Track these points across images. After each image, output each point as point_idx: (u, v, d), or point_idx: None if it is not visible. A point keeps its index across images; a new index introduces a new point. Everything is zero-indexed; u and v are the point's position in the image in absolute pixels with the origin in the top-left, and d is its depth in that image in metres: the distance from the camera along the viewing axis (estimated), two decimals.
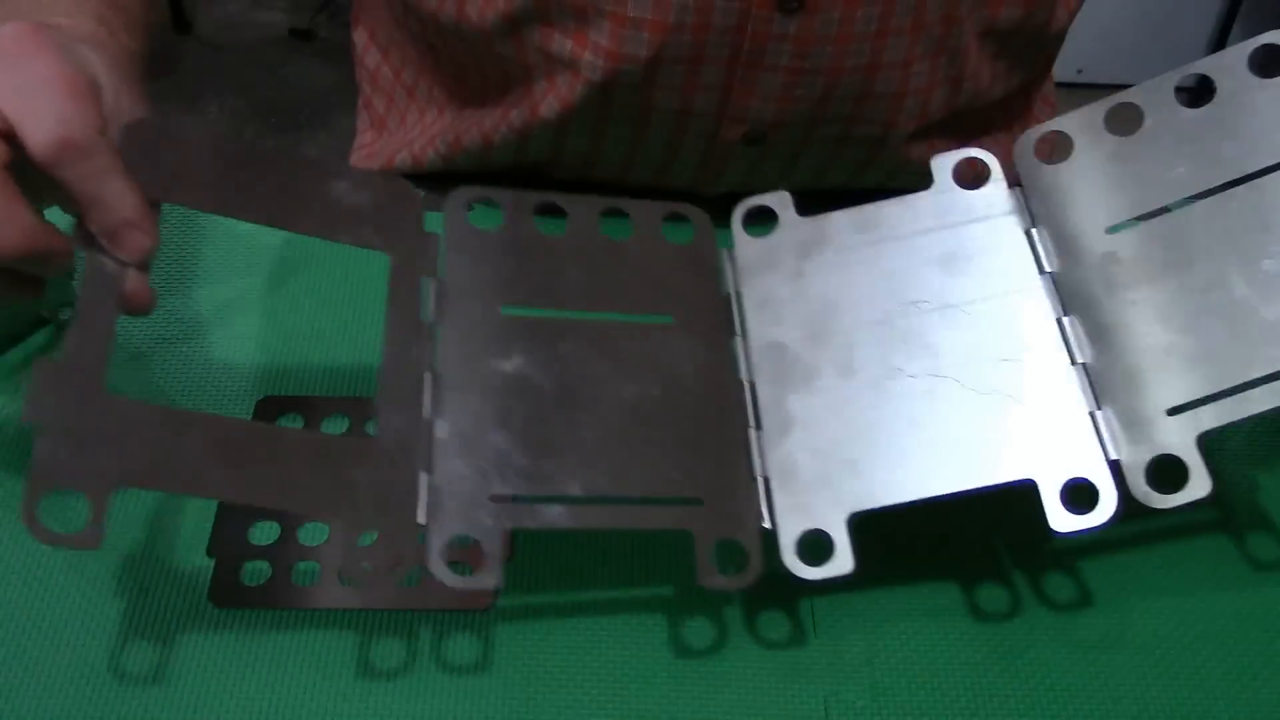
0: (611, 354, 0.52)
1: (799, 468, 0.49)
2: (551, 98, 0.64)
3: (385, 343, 0.50)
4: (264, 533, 0.54)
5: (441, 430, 0.49)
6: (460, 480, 0.48)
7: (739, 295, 0.54)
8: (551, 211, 0.54)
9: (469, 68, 0.70)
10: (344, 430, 0.57)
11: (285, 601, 0.52)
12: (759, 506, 0.49)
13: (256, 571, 0.52)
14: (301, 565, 0.53)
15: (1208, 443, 0.46)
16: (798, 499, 0.49)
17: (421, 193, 0.53)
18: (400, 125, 0.77)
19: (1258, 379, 0.46)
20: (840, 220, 0.54)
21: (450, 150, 0.72)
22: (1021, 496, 0.50)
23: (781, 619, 0.52)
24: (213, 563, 0.53)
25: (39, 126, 0.44)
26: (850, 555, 0.47)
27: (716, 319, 0.53)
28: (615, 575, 0.53)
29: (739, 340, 0.53)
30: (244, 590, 0.52)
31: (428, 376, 0.50)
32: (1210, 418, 0.46)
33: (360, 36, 0.78)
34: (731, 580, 0.48)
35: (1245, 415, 0.46)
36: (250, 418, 0.58)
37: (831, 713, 0.49)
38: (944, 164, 0.54)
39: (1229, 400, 0.47)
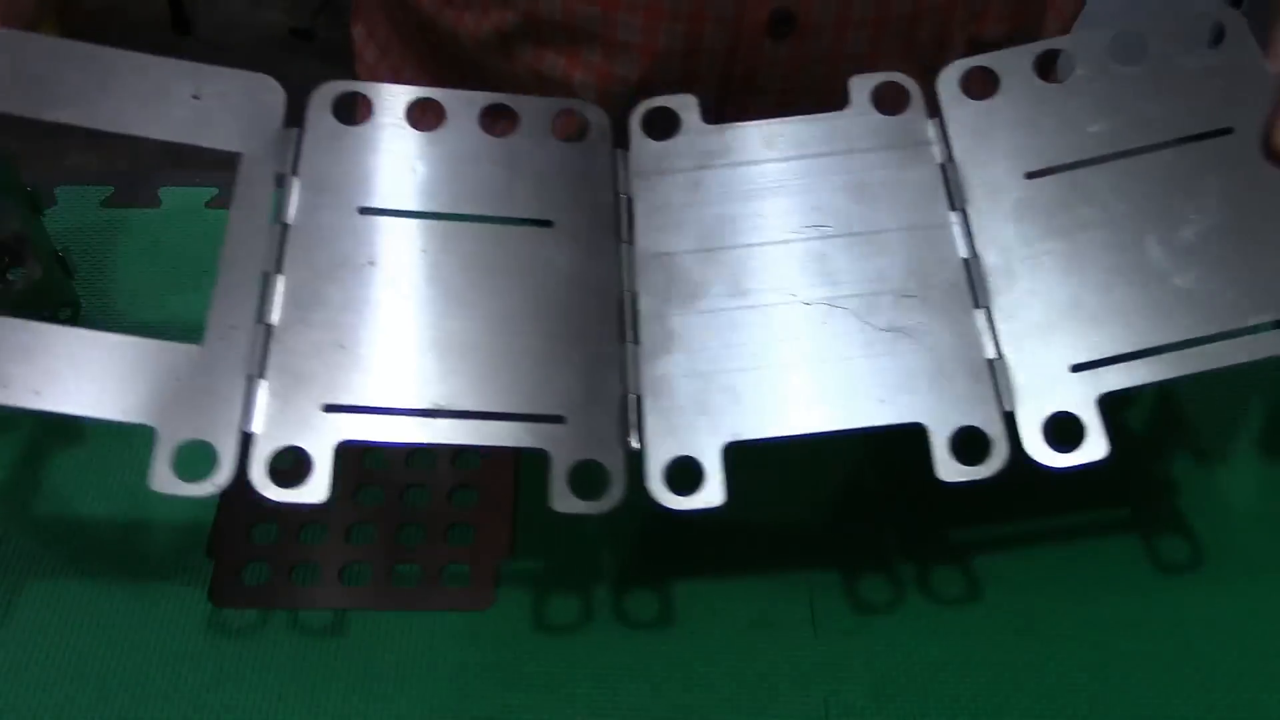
0: (480, 259, 0.47)
1: (676, 389, 0.45)
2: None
3: (226, 241, 0.46)
4: (264, 533, 0.54)
5: (280, 335, 0.45)
6: (294, 388, 0.44)
7: (630, 200, 0.49)
8: (430, 108, 0.50)
9: (467, 76, 0.66)
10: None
11: (285, 601, 0.51)
12: (627, 427, 0.45)
13: (256, 571, 0.52)
14: (301, 565, 0.52)
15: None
16: (671, 422, 0.44)
17: (281, 90, 0.49)
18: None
19: (1165, 345, 0.44)
20: (748, 133, 0.50)
21: None
22: (1022, 497, 0.53)
23: (781, 619, 0.51)
24: (213, 563, 0.52)
25: None
26: (721, 487, 0.43)
27: (602, 224, 0.48)
28: (614, 574, 0.52)
29: (624, 248, 0.48)
30: (244, 590, 0.52)
31: (272, 278, 0.46)
32: (1113, 379, 0.44)
33: (359, 34, 0.75)
34: (590, 505, 0.43)
35: (1150, 380, 0.44)
36: None
37: (831, 713, 0.48)
38: (863, 86, 0.50)
39: (1135, 364, 0.44)
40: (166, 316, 0.61)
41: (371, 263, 0.47)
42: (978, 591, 0.51)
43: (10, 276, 0.55)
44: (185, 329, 0.57)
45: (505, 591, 0.51)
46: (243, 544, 0.53)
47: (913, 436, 0.44)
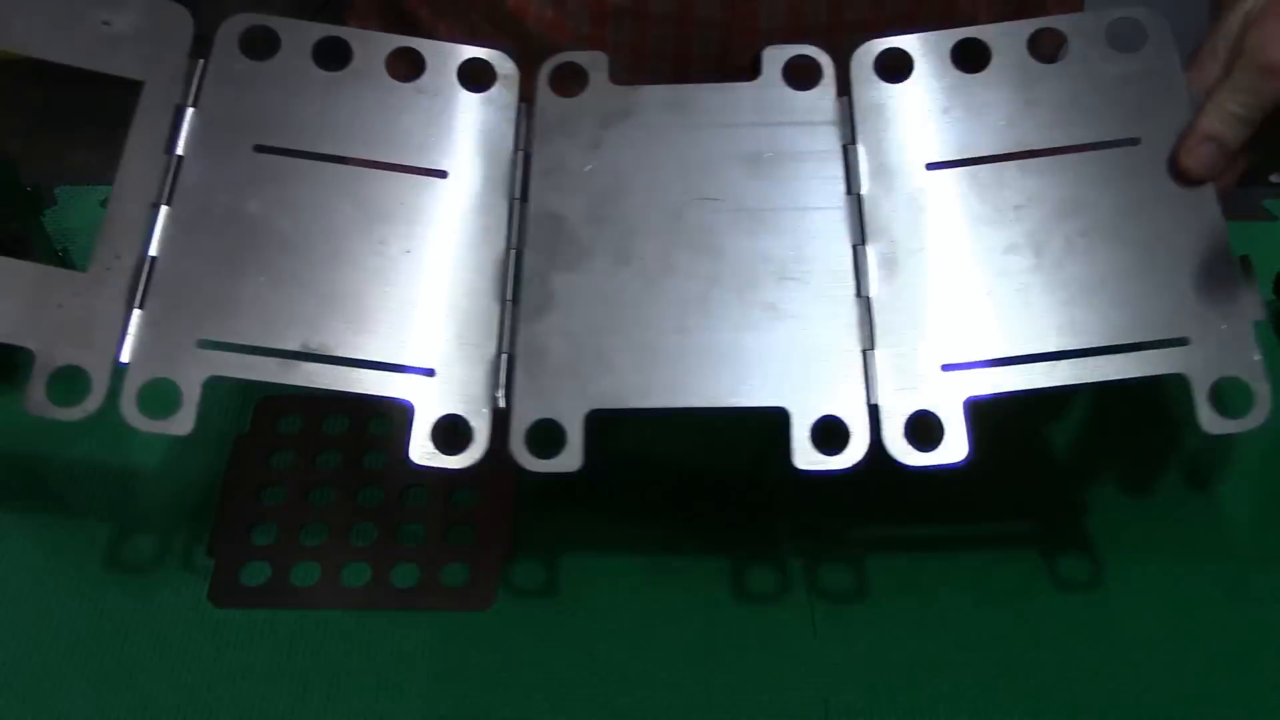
0: (367, 204, 0.47)
1: (549, 351, 0.45)
2: None
3: (120, 170, 0.46)
4: (264, 533, 0.54)
5: (162, 267, 0.45)
6: (171, 321, 0.45)
7: (528, 157, 0.49)
8: (338, 47, 0.49)
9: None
10: (344, 430, 0.56)
11: (285, 601, 0.51)
12: (496, 384, 0.45)
13: (256, 571, 0.52)
14: (301, 565, 0.52)
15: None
16: (540, 383, 0.45)
17: (190, 18, 0.49)
18: None
19: (1037, 354, 0.44)
20: (653, 95, 0.49)
21: None
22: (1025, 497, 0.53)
23: (781, 619, 0.51)
24: (213, 563, 0.52)
25: None
26: (580, 453, 0.44)
27: (497, 179, 0.48)
28: (612, 576, 0.52)
29: (515, 204, 0.48)
30: (244, 590, 0.52)
31: (161, 210, 0.46)
32: (982, 383, 0.44)
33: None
34: (450, 459, 0.44)
35: (1019, 389, 0.44)
36: (250, 418, 0.57)
37: (831, 713, 0.48)
38: (776, 57, 0.49)
39: (1007, 369, 0.44)
40: None
41: (260, 202, 0.47)
42: (978, 591, 0.52)
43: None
44: None
45: (505, 591, 0.52)
46: (243, 544, 0.53)
47: None
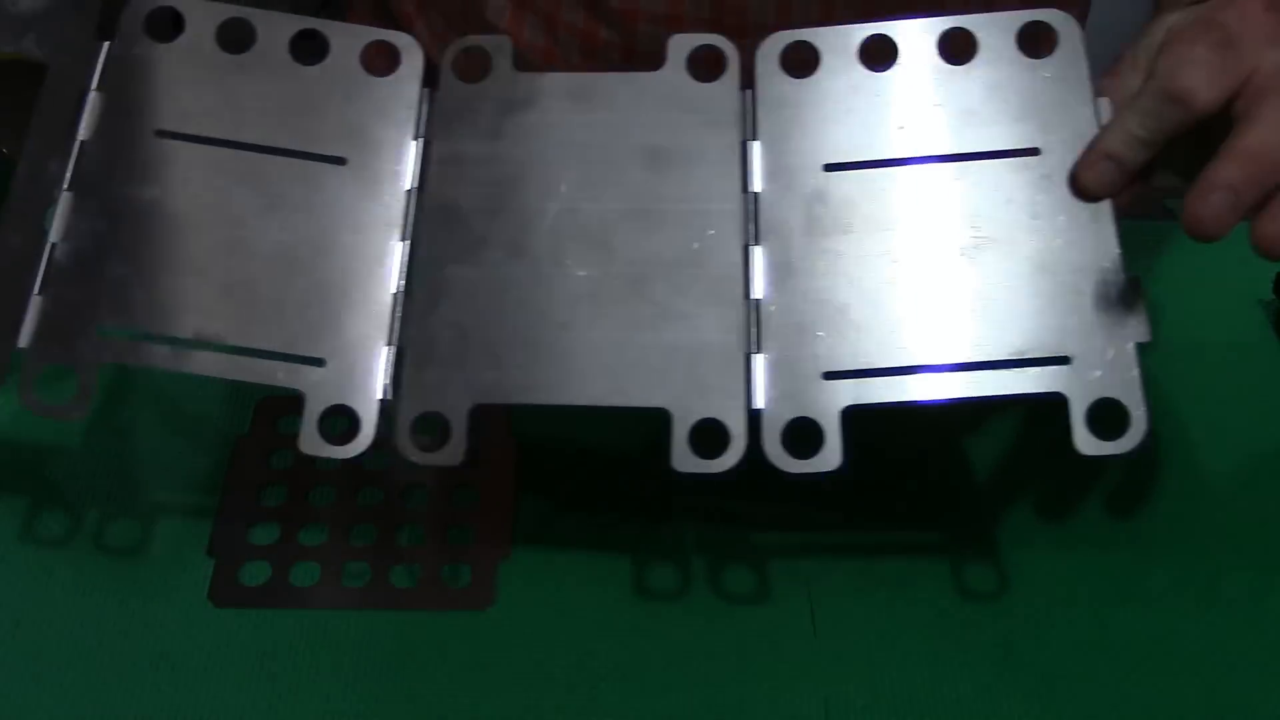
0: (265, 191, 0.47)
1: (437, 343, 0.45)
2: None
3: (24, 156, 0.47)
4: (264, 533, 0.54)
5: (62, 252, 0.46)
6: (71, 307, 0.45)
7: (428, 145, 0.48)
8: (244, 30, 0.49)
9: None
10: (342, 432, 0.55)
11: (285, 601, 0.51)
12: (382, 376, 0.45)
13: (256, 571, 0.52)
14: (301, 565, 0.52)
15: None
16: (426, 376, 0.45)
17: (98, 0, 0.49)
18: None
19: (920, 366, 0.44)
20: (555, 83, 0.49)
21: None
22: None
23: (781, 619, 0.51)
24: (213, 563, 0.52)
25: None
26: (463, 447, 0.44)
27: (396, 167, 0.48)
28: (613, 576, 0.52)
29: (412, 194, 0.47)
30: (244, 590, 0.52)
31: (61, 195, 0.46)
32: (862, 393, 0.44)
33: None
34: (336, 449, 0.44)
35: (899, 400, 0.44)
36: (250, 418, 0.57)
37: (831, 713, 0.48)
38: (681, 46, 0.48)
39: (888, 380, 0.44)
40: None
41: (159, 189, 0.47)
42: (978, 591, 0.52)
43: None
44: None
45: (505, 591, 0.52)
46: (243, 544, 0.53)
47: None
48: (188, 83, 0.48)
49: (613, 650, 0.50)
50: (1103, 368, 0.43)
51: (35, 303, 0.45)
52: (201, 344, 0.45)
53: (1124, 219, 0.45)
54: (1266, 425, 0.59)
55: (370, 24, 0.69)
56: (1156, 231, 0.65)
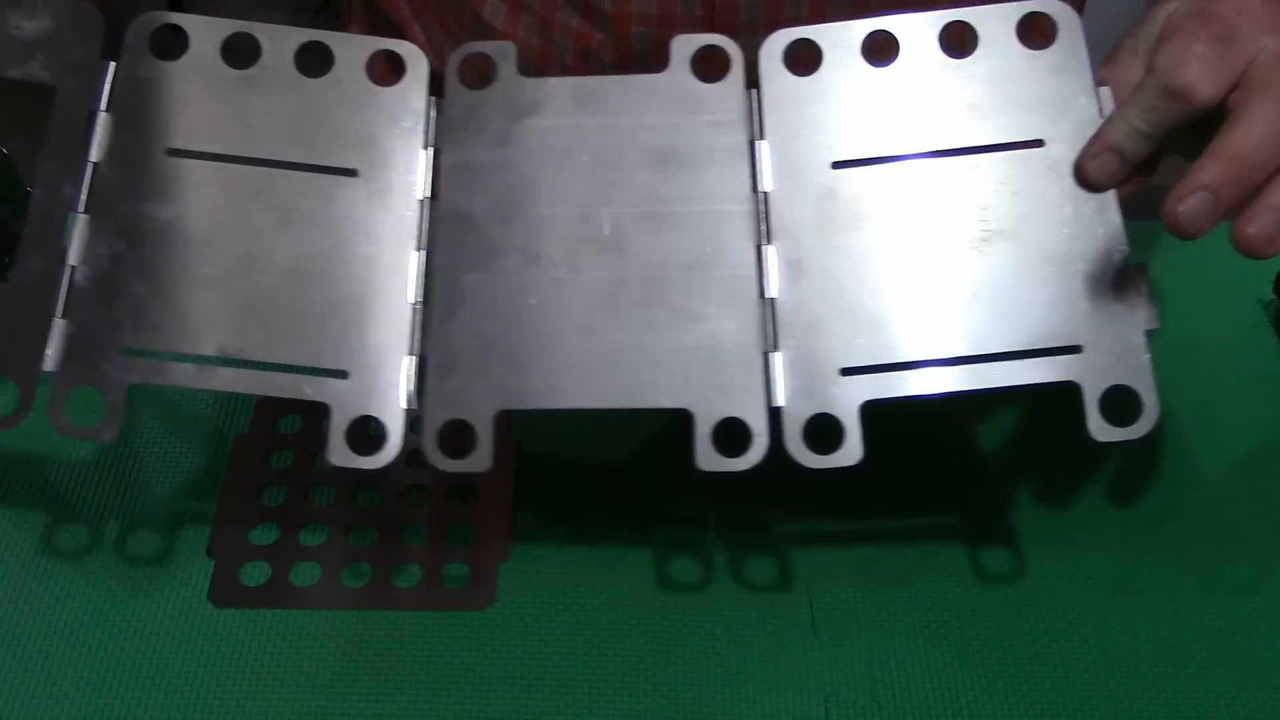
0: (279, 206, 0.47)
1: (459, 352, 0.46)
2: None
3: (38, 179, 0.47)
4: (264, 533, 0.54)
5: (82, 275, 0.46)
6: (93, 329, 0.46)
7: (438, 153, 0.49)
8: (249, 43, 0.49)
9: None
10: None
11: (285, 601, 0.52)
12: (406, 385, 0.46)
13: (256, 571, 0.53)
14: (301, 565, 0.53)
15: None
16: (450, 384, 0.46)
17: (102, 20, 0.48)
18: None
19: (935, 359, 0.45)
20: (560, 88, 0.49)
21: None
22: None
23: (781, 618, 0.51)
24: (213, 563, 0.53)
25: None
26: (490, 452, 0.45)
27: (408, 177, 0.48)
28: (613, 576, 0.52)
29: (425, 204, 0.48)
30: (244, 590, 0.52)
31: (78, 218, 0.46)
32: (879, 388, 0.45)
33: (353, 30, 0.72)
34: (364, 459, 0.45)
35: (915, 394, 0.45)
36: (250, 418, 0.58)
37: (831, 713, 0.48)
38: (684, 47, 0.49)
39: (904, 374, 0.45)
40: None
41: (175, 208, 0.47)
42: (979, 591, 0.52)
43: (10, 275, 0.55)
44: None
45: (505, 591, 0.52)
46: (243, 544, 0.53)
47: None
48: (196, 100, 0.48)
49: (612, 650, 0.50)
50: (1114, 355, 0.44)
51: (58, 326, 0.46)
52: (226, 361, 0.46)
53: (1125, 219, 0.46)
54: (1267, 425, 0.60)
55: (367, 27, 0.70)
56: (1156, 231, 0.65)
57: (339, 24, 0.70)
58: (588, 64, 0.61)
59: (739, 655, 0.50)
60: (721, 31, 0.50)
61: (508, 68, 0.49)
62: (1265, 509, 0.55)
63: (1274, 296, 0.63)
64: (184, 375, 0.46)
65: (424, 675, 0.49)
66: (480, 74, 0.49)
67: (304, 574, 0.53)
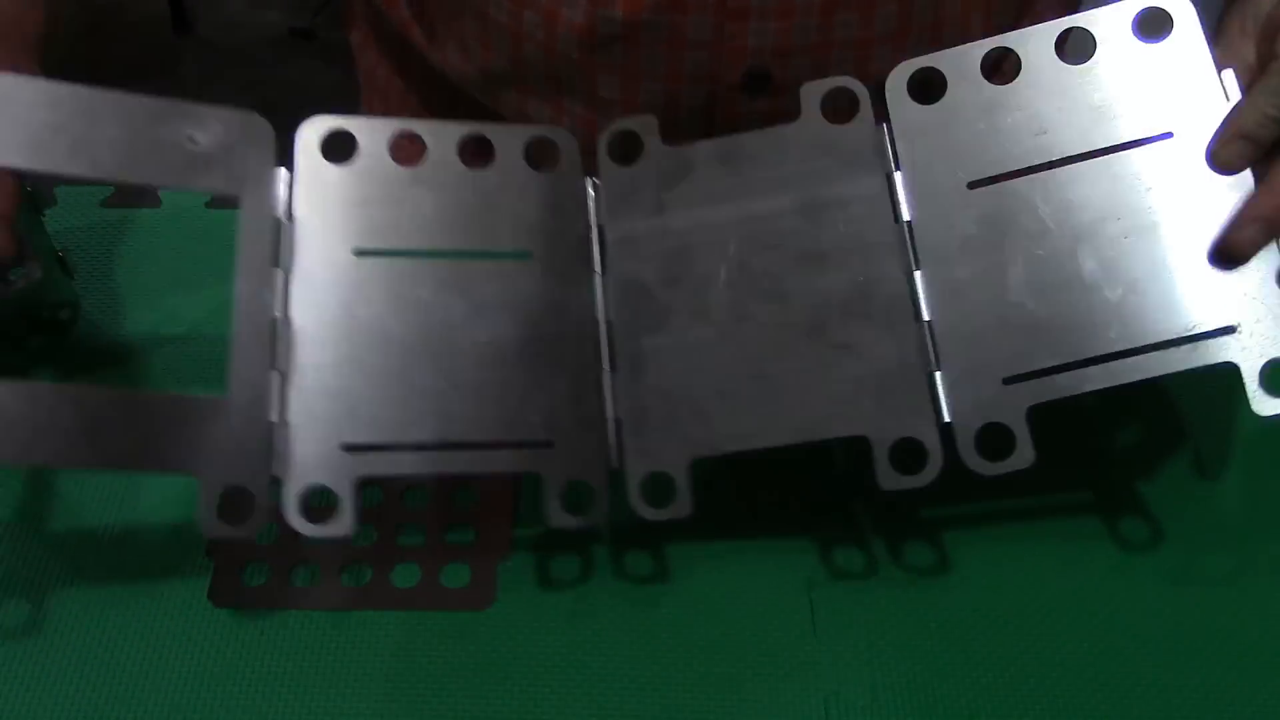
0: (467, 294, 0.51)
1: (649, 410, 0.50)
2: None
3: (237, 291, 0.49)
4: (264, 533, 0.53)
5: (294, 380, 0.49)
6: (313, 430, 0.49)
7: (601, 230, 0.53)
8: (412, 140, 0.53)
9: (456, 104, 0.68)
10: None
11: (285, 601, 0.52)
12: (608, 448, 0.50)
13: (256, 571, 0.53)
14: (301, 565, 0.53)
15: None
16: (645, 441, 0.50)
17: (271, 128, 0.51)
18: None
19: (1093, 358, 0.47)
20: (705, 150, 0.52)
21: None
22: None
23: (782, 619, 0.52)
24: (213, 563, 0.53)
25: None
26: (690, 499, 0.49)
27: (577, 254, 0.52)
28: (612, 576, 0.53)
29: (597, 278, 0.52)
30: (244, 590, 0.52)
31: (280, 324, 0.50)
32: (1043, 391, 0.47)
33: (355, 39, 0.76)
34: (579, 519, 0.49)
35: (1077, 392, 0.47)
36: None
37: (831, 713, 0.49)
38: (813, 94, 0.52)
39: (1063, 376, 0.47)
40: (165, 316, 0.62)
41: (370, 305, 0.51)
42: (979, 590, 0.53)
43: (10, 276, 0.55)
44: (184, 328, 0.61)
45: (505, 591, 0.52)
46: (243, 544, 0.53)
47: None
48: (373, 201, 0.52)
49: (612, 650, 0.51)
50: (1270, 326, 0.46)
51: (281, 431, 0.48)
52: (443, 445, 0.50)
53: None
54: (1267, 425, 0.58)
55: (370, 30, 0.72)
56: None
57: (339, 24, 0.70)
58: (595, 56, 0.60)
59: (739, 655, 0.51)
60: (732, 15, 0.53)
61: (652, 140, 0.53)
62: (1268, 512, 0.55)
63: None
64: (408, 464, 0.49)
65: (424, 675, 0.50)
66: (622, 149, 0.53)
67: (304, 574, 0.53)
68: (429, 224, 0.52)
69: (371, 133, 0.53)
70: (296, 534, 0.51)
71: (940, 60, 0.50)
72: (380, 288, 0.51)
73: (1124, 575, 0.53)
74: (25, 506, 0.55)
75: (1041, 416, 0.47)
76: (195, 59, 2.30)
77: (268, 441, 0.48)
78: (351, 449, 0.49)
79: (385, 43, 0.73)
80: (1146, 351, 0.47)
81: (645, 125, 0.53)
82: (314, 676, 0.50)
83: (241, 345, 0.49)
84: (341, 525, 0.48)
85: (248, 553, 0.53)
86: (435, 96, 0.71)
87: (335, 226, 0.52)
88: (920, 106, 0.51)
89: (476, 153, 0.53)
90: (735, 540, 0.55)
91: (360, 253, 0.52)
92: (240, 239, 0.50)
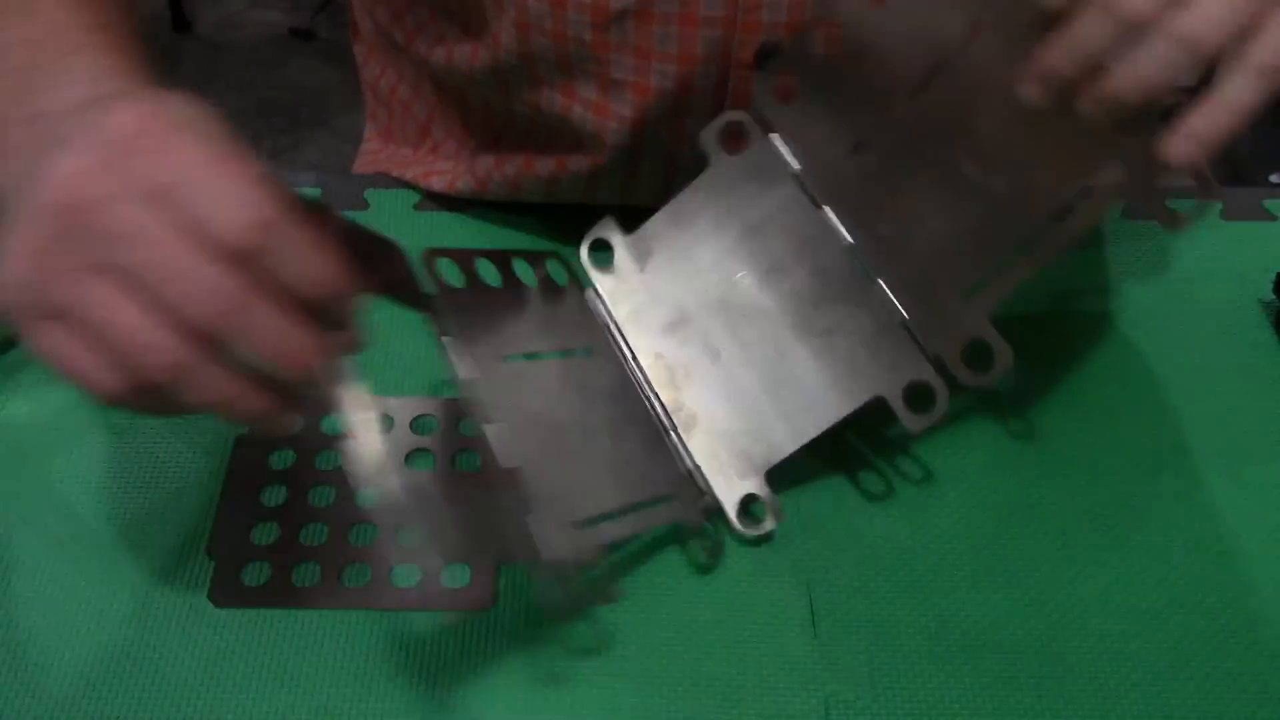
0: (583, 387, 0.57)
1: (716, 450, 0.57)
2: (579, 156, 0.66)
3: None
4: (264, 533, 0.55)
5: (525, 474, 0.51)
6: (551, 514, 0.50)
7: (617, 323, 0.60)
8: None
9: (467, 104, 0.71)
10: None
11: (285, 601, 0.52)
12: (703, 488, 0.57)
13: (256, 571, 0.53)
14: (301, 565, 0.53)
15: None
16: (725, 475, 0.57)
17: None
18: (414, 144, 0.78)
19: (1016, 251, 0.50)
20: (658, 223, 0.60)
21: (479, 186, 0.72)
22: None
23: (782, 619, 0.53)
24: (213, 563, 0.53)
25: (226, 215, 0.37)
26: (778, 508, 0.55)
27: (609, 346, 0.60)
28: (612, 576, 0.55)
29: (628, 362, 0.60)
30: (244, 590, 0.53)
31: (488, 426, 0.51)
32: (997, 290, 0.50)
33: (359, 50, 0.80)
34: (710, 552, 0.55)
35: (1023, 276, 0.50)
36: None
37: (831, 713, 0.49)
38: (709, 138, 0.58)
39: (1009, 269, 0.50)
40: None
41: (532, 399, 0.54)
42: (977, 593, 0.53)
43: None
44: None
45: (505, 591, 0.53)
46: (243, 544, 0.54)
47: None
48: (495, 314, 0.57)
49: (611, 650, 0.51)
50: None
51: (532, 521, 0.49)
52: (624, 510, 0.52)
53: (1126, 220, 0.46)
54: (1267, 424, 0.57)
55: (372, 39, 0.74)
56: (1157, 232, 0.62)
57: (342, 19, 0.69)
58: (608, 35, 0.60)
59: (739, 655, 0.51)
60: (745, 29, 0.57)
61: (615, 236, 0.61)
62: (1265, 509, 0.54)
63: (1274, 296, 0.61)
64: (614, 532, 0.52)
65: (424, 675, 0.50)
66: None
67: (304, 574, 0.53)
68: (532, 331, 0.58)
69: (469, 262, 0.57)
70: (297, 534, 0.55)
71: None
72: (529, 385, 0.55)
73: (1120, 577, 0.54)
74: (25, 506, 0.56)
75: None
76: (194, 58, 2.33)
77: (527, 531, 0.49)
78: (580, 525, 0.51)
79: (390, 52, 0.75)
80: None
81: (606, 227, 0.61)
82: (314, 676, 0.50)
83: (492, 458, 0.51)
84: (611, 594, 0.52)
85: (248, 553, 0.54)
86: (444, 97, 0.73)
87: (479, 339, 0.54)
88: (785, 107, 0.56)
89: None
90: (735, 540, 0.56)
91: (505, 358, 0.56)
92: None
